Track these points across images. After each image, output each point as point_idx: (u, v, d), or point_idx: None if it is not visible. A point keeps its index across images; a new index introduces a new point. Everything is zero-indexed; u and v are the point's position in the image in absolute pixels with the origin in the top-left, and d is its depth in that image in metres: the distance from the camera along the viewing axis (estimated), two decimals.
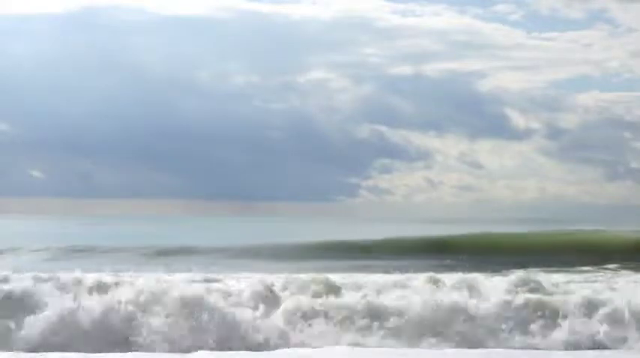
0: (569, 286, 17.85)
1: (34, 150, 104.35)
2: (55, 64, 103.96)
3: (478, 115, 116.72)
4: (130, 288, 14.10)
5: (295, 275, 17.32)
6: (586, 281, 20.59)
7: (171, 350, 12.73)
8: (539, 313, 14.22)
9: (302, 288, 15.86)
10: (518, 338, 13.78)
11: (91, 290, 14.57)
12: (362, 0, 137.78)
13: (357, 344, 13.21)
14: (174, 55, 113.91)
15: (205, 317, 13.27)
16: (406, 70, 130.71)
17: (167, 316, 13.33)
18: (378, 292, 15.31)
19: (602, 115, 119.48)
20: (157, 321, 13.23)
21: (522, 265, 21.42)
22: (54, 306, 13.33)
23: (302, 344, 13.25)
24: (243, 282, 16.66)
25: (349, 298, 14.79)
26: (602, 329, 13.88)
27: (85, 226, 70.65)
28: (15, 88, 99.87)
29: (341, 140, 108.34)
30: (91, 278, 15.79)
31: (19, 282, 14.69)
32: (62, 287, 14.62)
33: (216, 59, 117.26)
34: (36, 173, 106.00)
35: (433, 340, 13.52)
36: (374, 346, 13.26)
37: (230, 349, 12.90)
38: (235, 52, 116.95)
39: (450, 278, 16.72)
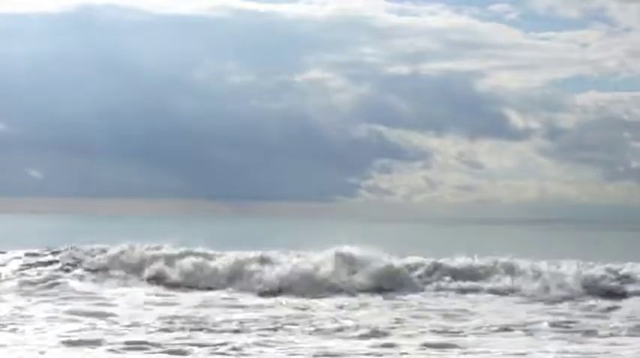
0: None
1: (32, 149, 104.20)
2: (53, 64, 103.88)
3: (476, 115, 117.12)
4: None
5: None
6: None
7: None
8: None
9: None
10: None
11: None
12: None
13: None
14: (170, 54, 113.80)
15: None
16: (403, 69, 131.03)
17: None
18: None
19: (600, 115, 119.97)
20: None
21: None
22: None
23: None
24: None
25: None
26: None
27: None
28: (13, 87, 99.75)
29: (340, 140, 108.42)
30: None
31: None
32: None
33: (213, 58, 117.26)
34: (35, 173, 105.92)
35: None
36: None
37: None
38: (232, 52, 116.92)
39: None
